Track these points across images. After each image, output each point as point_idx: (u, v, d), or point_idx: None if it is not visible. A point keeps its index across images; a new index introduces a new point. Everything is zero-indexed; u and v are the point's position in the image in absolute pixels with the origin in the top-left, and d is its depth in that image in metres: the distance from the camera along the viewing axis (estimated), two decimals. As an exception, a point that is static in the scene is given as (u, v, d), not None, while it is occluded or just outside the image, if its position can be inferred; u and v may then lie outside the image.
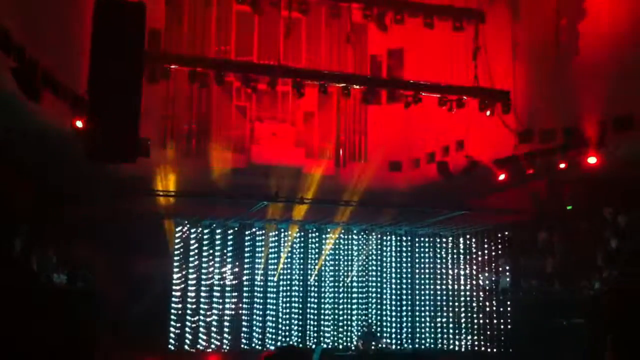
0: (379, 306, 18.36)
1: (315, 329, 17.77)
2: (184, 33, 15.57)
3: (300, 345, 17.10)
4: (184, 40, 15.47)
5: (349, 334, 17.95)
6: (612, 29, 11.68)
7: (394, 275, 18.62)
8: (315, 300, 17.89)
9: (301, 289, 17.85)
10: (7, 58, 9.11)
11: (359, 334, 17.49)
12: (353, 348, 17.08)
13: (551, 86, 12.83)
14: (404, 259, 18.74)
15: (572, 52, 12.51)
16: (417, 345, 18.18)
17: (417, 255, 18.81)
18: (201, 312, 16.96)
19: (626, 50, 11.27)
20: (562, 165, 12.75)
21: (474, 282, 18.10)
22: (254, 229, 17.71)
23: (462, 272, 18.38)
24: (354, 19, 14.54)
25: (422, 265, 18.76)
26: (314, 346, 17.07)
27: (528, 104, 13.39)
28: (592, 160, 12.10)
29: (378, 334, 17.53)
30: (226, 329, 17.13)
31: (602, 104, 11.49)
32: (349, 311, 18.10)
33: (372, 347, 16.20)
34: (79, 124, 10.37)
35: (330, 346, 17.51)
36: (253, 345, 17.20)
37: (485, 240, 17.82)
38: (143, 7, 8.00)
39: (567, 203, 14.81)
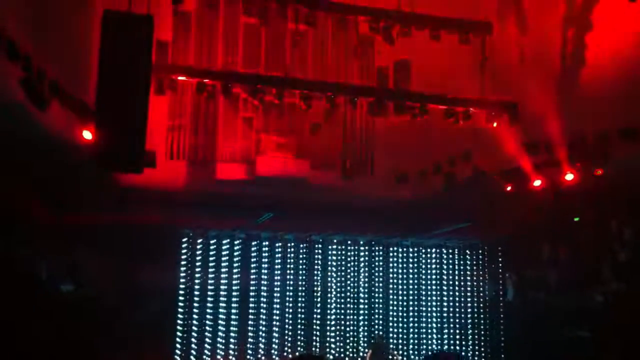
0: (384, 317, 18.32)
1: (321, 339, 17.74)
2: (192, 45, 15.62)
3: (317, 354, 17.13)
4: (191, 52, 15.52)
5: (354, 345, 17.90)
6: (619, 40, 11.69)
7: (399, 286, 18.59)
8: (320, 312, 17.87)
9: (307, 300, 17.83)
10: (15, 68, 9.18)
11: (369, 344, 17.42)
12: (360, 359, 17.05)
13: (558, 97, 12.83)
14: (410, 271, 18.71)
15: (579, 64, 12.52)
16: (422, 357, 18.12)
17: (422, 266, 18.78)
18: (207, 322, 16.95)
19: (633, 61, 11.27)
20: (569, 177, 12.75)
21: (480, 294, 18.05)
22: (260, 240, 17.71)
23: (468, 284, 18.33)
24: (361, 31, 14.56)
25: (429, 277, 18.73)
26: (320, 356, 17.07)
27: (535, 116, 13.38)
28: (598, 172, 12.11)
29: (388, 346, 17.46)
30: (232, 339, 17.11)
31: (608, 115, 11.49)
32: (355, 322, 18.07)
33: (380, 358, 16.19)
34: (87, 133, 10.43)
35: (335, 357, 17.49)
36: (259, 355, 17.18)
37: (491, 251, 17.79)
38: (151, 20, 8.07)
39: (574, 215, 14.79)
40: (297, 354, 17.10)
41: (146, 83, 8.19)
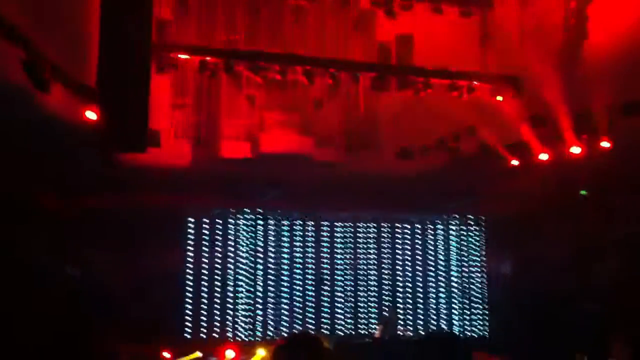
0: (391, 294, 18.38)
1: (330, 317, 17.83)
2: (192, 23, 15.54)
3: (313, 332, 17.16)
4: (192, 30, 15.44)
5: (363, 322, 17.98)
6: (622, 11, 11.59)
7: (406, 263, 18.63)
8: (329, 289, 17.93)
9: (314, 278, 17.88)
10: (16, 50, 9.16)
11: (381, 317, 17.47)
12: (371, 333, 17.13)
13: (561, 70, 12.75)
14: (415, 247, 18.73)
15: (581, 36, 12.43)
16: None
17: (428, 243, 18.79)
18: (215, 302, 17.02)
19: (636, 34, 11.19)
20: (575, 150, 12.72)
21: (485, 270, 18.09)
22: (265, 219, 17.72)
23: (474, 259, 18.36)
24: (362, 6, 14.48)
25: (434, 253, 18.75)
26: (327, 334, 17.15)
27: (539, 89, 13.32)
28: (605, 144, 12.06)
29: (398, 320, 17.51)
30: (241, 319, 17.20)
31: (612, 89, 11.42)
32: (363, 299, 18.14)
33: (390, 333, 16.27)
34: (89, 114, 10.43)
35: (344, 334, 17.59)
36: (268, 334, 17.28)
37: (497, 227, 17.79)
38: (150, -3, 8.03)
39: (579, 189, 14.76)
40: (289, 333, 17.14)
41: (147, 62, 8.19)
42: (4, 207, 11.35)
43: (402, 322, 18.04)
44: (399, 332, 17.11)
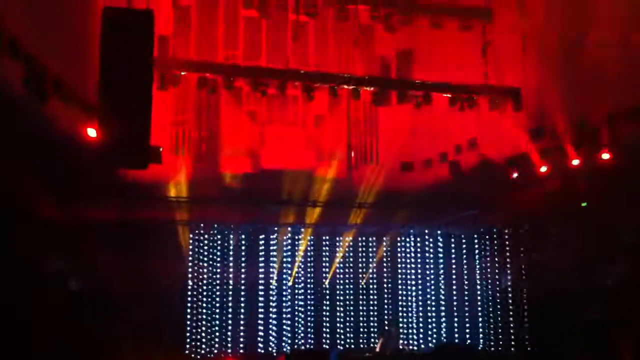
0: (393, 307, 18.31)
1: (331, 331, 17.76)
2: (192, 39, 15.59)
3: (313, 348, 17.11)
4: (192, 46, 15.50)
5: (365, 335, 17.91)
6: (621, 18, 11.63)
7: (408, 276, 18.58)
8: (329, 303, 17.88)
9: (316, 292, 17.83)
10: (17, 65, 9.18)
11: (382, 331, 17.40)
12: (373, 346, 17.08)
13: (562, 81, 12.78)
14: (418, 260, 18.68)
15: (581, 46, 12.46)
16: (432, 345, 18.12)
17: (431, 255, 18.75)
18: (216, 316, 16.96)
19: (635, 41, 11.21)
20: (575, 162, 12.69)
21: (489, 280, 18.02)
22: (266, 233, 17.69)
23: (477, 271, 18.30)
24: (362, 21, 14.52)
25: (437, 265, 18.69)
26: (329, 349, 17.07)
27: (539, 101, 13.34)
28: (605, 156, 12.04)
29: (399, 334, 17.43)
30: (241, 333, 17.13)
31: (613, 97, 11.43)
32: (364, 313, 18.08)
33: (391, 347, 16.21)
34: (91, 130, 10.43)
35: (345, 348, 17.51)
36: (269, 348, 17.20)
37: (499, 238, 17.75)
38: (151, 14, 8.03)
39: (581, 200, 14.74)
40: (295, 348, 17.08)
41: (148, 78, 8.17)
42: (8, 214, 11.38)
43: (403, 336, 17.96)
44: (400, 346, 17.02)
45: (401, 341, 17.54)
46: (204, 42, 15.68)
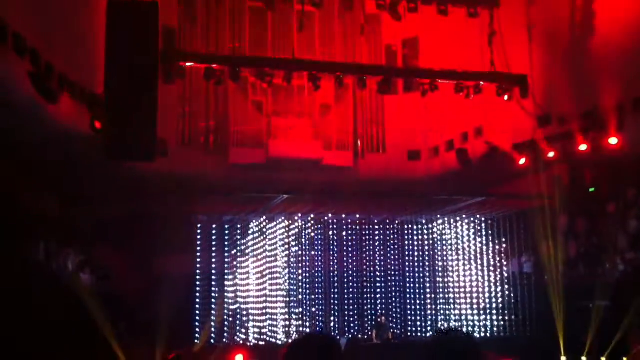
0: (401, 295, 18.33)
1: (339, 320, 17.81)
2: (198, 30, 15.57)
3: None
4: (198, 38, 15.48)
5: (372, 323, 17.96)
6: (628, 7, 11.55)
7: (415, 264, 18.58)
8: (338, 292, 17.90)
9: (324, 281, 17.85)
10: (23, 62, 9.19)
11: (374, 324, 17.46)
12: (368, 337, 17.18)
13: (568, 67, 12.70)
14: (426, 248, 18.67)
15: (588, 32, 12.38)
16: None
17: (438, 243, 18.72)
18: (226, 306, 17.01)
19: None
20: (583, 148, 12.65)
21: (497, 268, 17.99)
22: (275, 223, 17.69)
23: (484, 259, 18.26)
24: (367, 10, 14.48)
25: (444, 253, 18.67)
26: (338, 337, 17.10)
27: (546, 87, 13.28)
28: (613, 141, 11.99)
29: (388, 325, 17.44)
30: (251, 323, 17.19)
31: (620, 84, 11.37)
32: (372, 301, 18.09)
33: (382, 337, 16.35)
34: (98, 124, 10.45)
35: (353, 336, 17.55)
36: (278, 338, 17.24)
37: (507, 226, 17.69)
38: (156, 6, 8.02)
39: (589, 186, 14.70)
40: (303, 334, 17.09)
41: (154, 70, 8.17)
42: (15, 214, 11.40)
43: (393, 327, 17.94)
44: (390, 336, 17.04)
45: (391, 331, 17.51)
46: (210, 33, 15.67)
